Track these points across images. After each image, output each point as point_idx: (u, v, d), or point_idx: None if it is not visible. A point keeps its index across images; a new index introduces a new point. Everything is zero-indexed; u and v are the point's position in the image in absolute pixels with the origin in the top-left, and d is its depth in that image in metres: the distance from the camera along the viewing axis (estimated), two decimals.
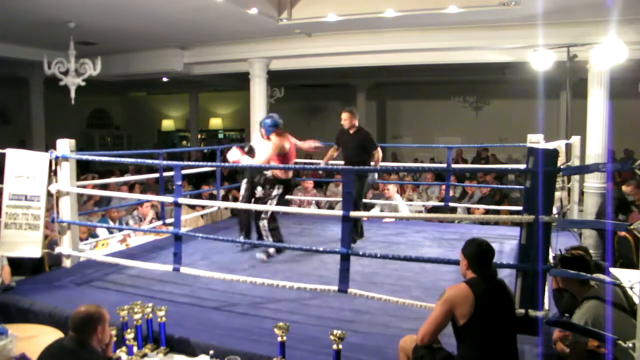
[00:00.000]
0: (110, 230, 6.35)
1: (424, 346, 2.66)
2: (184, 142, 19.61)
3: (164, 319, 3.38)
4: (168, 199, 4.80)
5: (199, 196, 7.82)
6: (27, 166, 4.66)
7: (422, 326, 2.69)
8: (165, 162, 5.26)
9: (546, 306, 3.47)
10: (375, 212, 7.55)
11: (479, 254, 2.75)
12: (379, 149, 5.97)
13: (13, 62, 10.05)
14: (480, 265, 2.72)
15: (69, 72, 7.46)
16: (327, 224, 7.07)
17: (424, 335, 2.66)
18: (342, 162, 6.09)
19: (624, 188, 6.87)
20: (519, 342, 3.28)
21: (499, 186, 8.93)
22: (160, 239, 6.18)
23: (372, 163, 5.93)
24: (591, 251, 6.56)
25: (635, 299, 3.13)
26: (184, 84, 15.39)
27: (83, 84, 7.57)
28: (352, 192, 4.04)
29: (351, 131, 5.96)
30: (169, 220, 6.08)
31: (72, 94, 7.52)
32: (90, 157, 5.71)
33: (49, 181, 4.70)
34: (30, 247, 4.59)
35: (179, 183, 4.44)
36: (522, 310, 3.30)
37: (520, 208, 4.47)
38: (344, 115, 5.94)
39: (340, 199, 7.77)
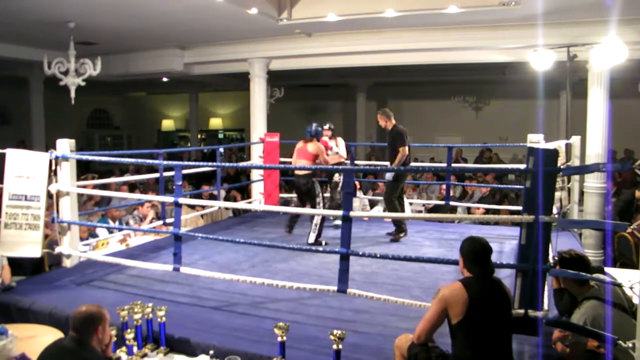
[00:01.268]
0: (110, 230, 6.36)
1: (419, 344, 2.69)
2: (182, 143, 19.62)
3: (164, 319, 3.38)
4: (168, 199, 4.81)
5: (199, 196, 7.83)
6: (27, 166, 4.66)
7: (418, 325, 2.71)
8: (165, 162, 5.27)
9: (546, 306, 3.47)
10: (376, 210, 7.56)
11: (474, 253, 2.74)
12: (404, 148, 6.03)
13: (13, 62, 10.05)
14: (475, 264, 2.72)
15: (69, 72, 7.46)
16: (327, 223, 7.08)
17: (419, 334, 2.68)
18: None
19: (638, 194, 6.86)
20: (519, 342, 3.30)
21: (499, 186, 8.93)
22: (160, 239, 6.18)
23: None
24: (591, 251, 6.60)
25: (635, 299, 3.13)
26: (184, 84, 15.40)
27: (83, 84, 7.57)
28: (353, 192, 4.04)
29: (388, 129, 6.25)
30: (169, 220, 6.08)
31: (72, 94, 7.52)
32: (91, 157, 5.70)
33: (49, 181, 4.70)
34: (30, 247, 4.59)
35: (179, 183, 4.44)
36: (522, 310, 3.30)
37: (520, 208, 4.47)
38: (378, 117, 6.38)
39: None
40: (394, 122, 6.25)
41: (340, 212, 3.87)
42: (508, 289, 2.80)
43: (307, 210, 6.46)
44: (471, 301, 2.57)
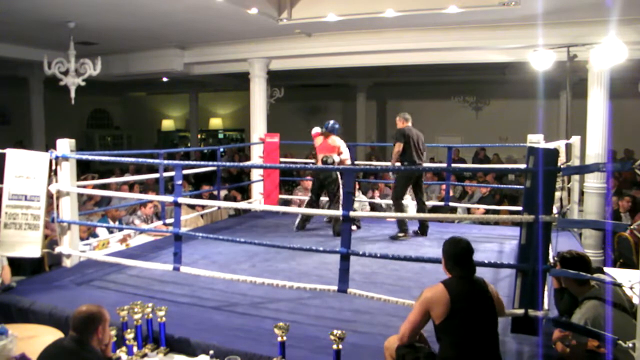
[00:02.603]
0: (110, 230, 6.35)
1: (405, 345, 2.70)
2: (183, 143, 19.62)
3: (164, 319, 3.38)
4: (168, 198, 4.80)
5: (199, 196, 7.82)
6: (27, 166, 4.66)
7: (402, 326, 2.73)
8: (165, 162, 5.27)
9: (546, 306, 3.47)
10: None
11: (455, 254, 2.77)
12: (398, 144, 6.16)
13: (13, 62, 10.05)
14: (456, 265, 2.75)
15: (69, 72, 7.46)
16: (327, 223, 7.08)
17: (403, 335, 2.70)
18: None
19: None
20: (519, 342, 3.30)
21: (499, 186, 8.93)
22: (160, 239, 6.18)
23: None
24: (591, 251, 6.59)
25: (635, 299, 3.12)
26: (184, 84, 15.39)
27: (83, 84, 7.57)
28: (352, 192, 4.04)
29: None
30: (169, 220, 6.08)
31: (72, 94, 7.52)
32: (91, 157, 5.71)
33: (49, 181, 4.70)
34: (30, 247, 4.59)
35: (179, 183, 4.44)
36: (522, 310, 3.30)
37: (520, 208, 4.46)
38: None
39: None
40: (406, 124, 6.32)
41: (341, 212, 3.87)
42: (492, 287, 2.81)
43: (305, 210, 6.47)
44: (453, 302, 2.59)
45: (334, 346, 2.81)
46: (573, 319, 3.06)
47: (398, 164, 6.24)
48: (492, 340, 2.68)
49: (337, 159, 6.56)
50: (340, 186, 6.52)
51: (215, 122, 19.58)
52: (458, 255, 2.76)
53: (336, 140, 6.61)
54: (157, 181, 6.97)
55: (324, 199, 6.90)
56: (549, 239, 3.35)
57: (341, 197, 6.47)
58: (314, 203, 6.76)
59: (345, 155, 6.68)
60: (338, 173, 6.53)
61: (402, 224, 6.36)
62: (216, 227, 7.19)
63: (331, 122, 6.70)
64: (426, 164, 11.91)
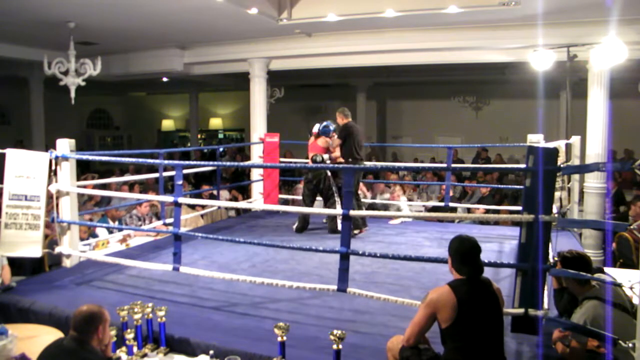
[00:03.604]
0: (110, 230, 6.35)
1: (410, 347, 2.66)
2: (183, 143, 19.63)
3: (164, 319, 3.37)
4: (168, 198, 4.80)
5: (199, 196, 7.82)
6: (27, 166, 4.66)
7: (407, 328, 2.69)
8: (165, 162, 5.27)
9: (546, 306, 3.47)
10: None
11: (462, 252, 2.68)
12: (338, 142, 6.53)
13: (13, 62, 10.05)
14: (463, 264, 2.66)
15: (69, 72, 7.46)
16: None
17: (409, 337, 2.67)
18: None
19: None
20: (519, 342, 3.30)
21: (499, 186, 8.92)
22: (160, 239, 6.18)
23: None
24: (591, 251, 6.59)
25: (635, 299, 3.12)
26: (184, 84, 15.39)
27: (83, 84, 7.57)
28: (352, 190, 4.05)
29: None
30: (169, 220, 6.08)
31: (72, 94, 7.52)
32: (90, 157, 5.70)
33: (49, 181, 4.70)
34: (31, 247, 4.59)
35: (180, 182, 4.43)
36: (522, 310, 3.30)
37: (519, 208, 4.47)
38: None
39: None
40: (347, 119, 6.56)
41: (341, 211, 3.87)
42: (497, 287, 2.75)
43: (305, 209, 6.47)
44: (460, 305, 2.52)
45: (334, 346, 2.81)
46: (573, 319, 3.06)
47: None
48: (497, 344, 2.63)
49: (326, 157, 6.58)
50: (332, 184, 6.56)
51: (215, 122, 19.59)
52: (465, 254, 2.67)
53: (327, 142, 6.62)
54: (157, 181, 6.97)
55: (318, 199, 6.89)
56: (548, 238, 3.35)
57: (335, 195, 6.55)
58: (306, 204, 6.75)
59: (337, 153, 6.65)
60: (328, 172, 6.57)
61: (355, 221, 6.37)
62: (216, 227, 7.19)
63: (325, 123, 6.68)
64: (426, 164, 11.99)
